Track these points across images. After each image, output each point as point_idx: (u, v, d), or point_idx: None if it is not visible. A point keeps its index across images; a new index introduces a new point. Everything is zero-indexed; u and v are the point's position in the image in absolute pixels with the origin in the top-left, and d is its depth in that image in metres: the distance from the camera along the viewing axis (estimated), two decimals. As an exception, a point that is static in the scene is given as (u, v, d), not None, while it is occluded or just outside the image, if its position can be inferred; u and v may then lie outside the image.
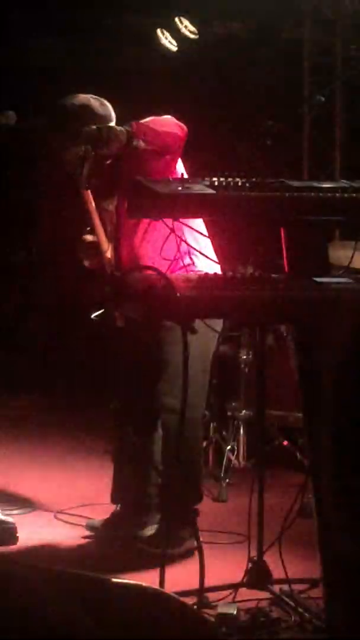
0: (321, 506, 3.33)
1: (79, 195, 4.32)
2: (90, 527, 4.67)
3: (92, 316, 4.41)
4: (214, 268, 4.20)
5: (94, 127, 4.13)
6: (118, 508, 4.64)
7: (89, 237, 4.49)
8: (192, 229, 4.06)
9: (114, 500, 4.66)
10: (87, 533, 4.66)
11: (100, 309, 4.44)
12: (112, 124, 4.32)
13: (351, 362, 3.21)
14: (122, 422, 4.61)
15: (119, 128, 4.13)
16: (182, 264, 4.08)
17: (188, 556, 4.24)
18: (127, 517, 4.58)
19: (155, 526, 4.52)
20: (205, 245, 4.24)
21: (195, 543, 4.16)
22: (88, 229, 4.47)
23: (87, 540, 4.62)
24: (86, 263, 4.55)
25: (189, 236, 4.01)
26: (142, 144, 4.07)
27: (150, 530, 4.52)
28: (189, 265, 4.16)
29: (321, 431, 3.29)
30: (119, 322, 4.36)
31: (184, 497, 4.23)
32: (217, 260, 4.29)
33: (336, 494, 3.24)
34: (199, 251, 4.01)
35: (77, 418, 7.05)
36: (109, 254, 4.42)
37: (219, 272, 3.75)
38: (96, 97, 4.39)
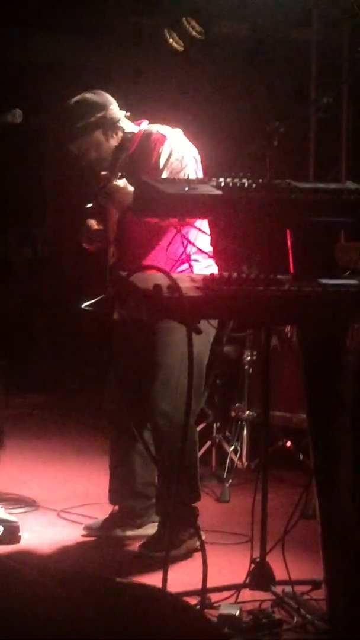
0: (324, 507, 3.33)
1: (100, 183, 4.32)
2: (87, 529, 4.66)
3: (83, 306, 4.32)
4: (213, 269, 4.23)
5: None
6: (116, 509, 4.64)
7: (93, 223, 4.49)
8: (199, 230, 4.07)
9: (111, 501, 4.66)
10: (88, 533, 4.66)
11: (92, 300, 4.35)
12: (113, 107, 4.42)
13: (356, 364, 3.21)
14: (115, 422, 4.59)
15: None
16: (188, 265, 4.10)
17: (188, 557, 4.25)
18: (125, 518, 4.58)
19: (150, 524, 4.52)
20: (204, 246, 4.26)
21: (195, 544, 4.18)
22: (89, 205, 4.46)
23: (90, 539, 4.62)
24: (86, 246, 4.56)
25: (192, 237, 4.02)
26: None
27: (145, 530, 4.51)
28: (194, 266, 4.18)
29: (326, 432, 3.29)
30: (115, 315, 4.34)
31: (182, 499, 4.22)
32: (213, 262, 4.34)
33: (345, 496, 3.24)
34: (202, 250, 4.02)
35: (81, 416, 7.04)
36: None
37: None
38: (91, 90, 4.47)
